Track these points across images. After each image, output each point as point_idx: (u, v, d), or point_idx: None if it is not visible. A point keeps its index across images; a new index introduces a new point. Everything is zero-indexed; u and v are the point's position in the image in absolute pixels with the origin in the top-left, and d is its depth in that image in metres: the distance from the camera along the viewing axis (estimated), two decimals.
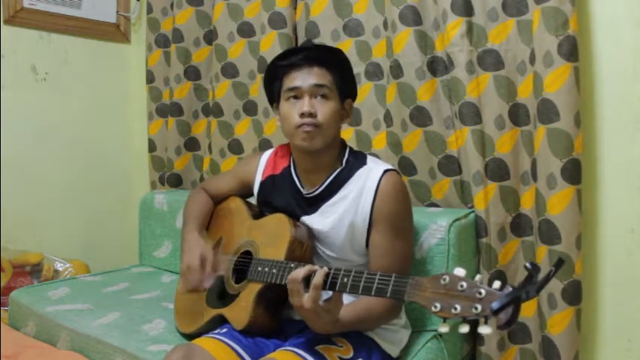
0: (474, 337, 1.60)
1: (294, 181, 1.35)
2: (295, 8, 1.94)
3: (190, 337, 1.37)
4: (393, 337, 1.33)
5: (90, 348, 1.50)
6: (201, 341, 1.23)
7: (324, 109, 1.24)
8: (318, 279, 1.05)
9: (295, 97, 1.26)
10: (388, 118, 1.74)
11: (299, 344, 1.19)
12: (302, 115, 1.23)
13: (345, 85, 1.31)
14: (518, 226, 1.57)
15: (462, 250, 1.49)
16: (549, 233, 1.44)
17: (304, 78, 1.25)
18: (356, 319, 1.17)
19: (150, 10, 2.34)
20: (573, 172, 1.42)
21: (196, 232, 1.41)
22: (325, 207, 1.29)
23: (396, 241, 1.24)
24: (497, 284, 0.82)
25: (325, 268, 1.07)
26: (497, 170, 1.56)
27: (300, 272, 1.08)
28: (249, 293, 1.27)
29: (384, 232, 1.23)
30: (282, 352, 1.17)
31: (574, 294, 1.44)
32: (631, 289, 1.47)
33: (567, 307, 1.43)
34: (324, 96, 1.25)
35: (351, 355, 1.21)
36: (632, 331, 1.48)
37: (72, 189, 2.37)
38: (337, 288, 1.06)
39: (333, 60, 1.29)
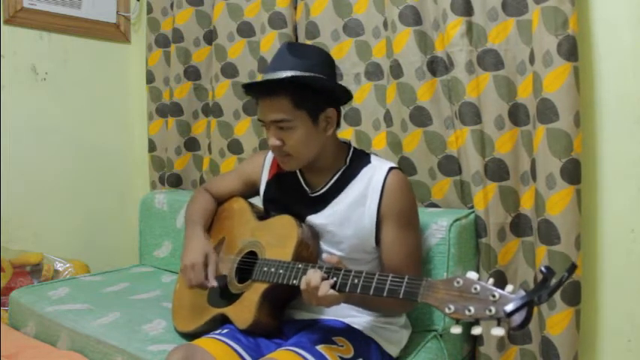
0: (474, 338, 1.60)
1: (299, 180, 1.35)
2: (295, 8, 1.94)
3: (189, 336, 1.38)
4: (393, 336, 1.33)
5: (90, 348, 1.50)
6: (202, 342, 1.23)
7: (289, 140, 1.23)
8: (323, 289, 1.07)
9: (265, 125, 1.26)
10: (388, 118, 1.74)
11: (300, 344, 1.19)
12: (271, 146, 1.25)
13: (311, 103, 1.22)
14: (518, 226, 1.57)
15: (462, 250, 1.49)
16: (548, 233, 1.44)
17: (265, 112, 1.24)
18: (362, 298, 1.16)
19: (150, 10, 2.35)
20: (573, 172, 1.41)
21: (200, 231, 1.42)
22: (331, 206, 1.29)
23: (408, 233, 1.26)
24: (509, 287, 0.85)
25: (331, 281, 1.08)
26: (497, 170, 1.56)
27: (317, 278, 1.09)
28: (253, 293, 1.27)
29: (395, 228, 1.25)
30: (282, 352, 1.17)
31: (573, 294, 1.44)
32: (631, 290, 1.47)
33: (566, 308, 1.43)
34: (287, 127, 1.22)
35: (351, 354, 1.21)
36: (631, 331, 1.48)
37: (72, 189, 2.37)
38: (347, 289, 1.07)
39: (286, 86, 1.20)
